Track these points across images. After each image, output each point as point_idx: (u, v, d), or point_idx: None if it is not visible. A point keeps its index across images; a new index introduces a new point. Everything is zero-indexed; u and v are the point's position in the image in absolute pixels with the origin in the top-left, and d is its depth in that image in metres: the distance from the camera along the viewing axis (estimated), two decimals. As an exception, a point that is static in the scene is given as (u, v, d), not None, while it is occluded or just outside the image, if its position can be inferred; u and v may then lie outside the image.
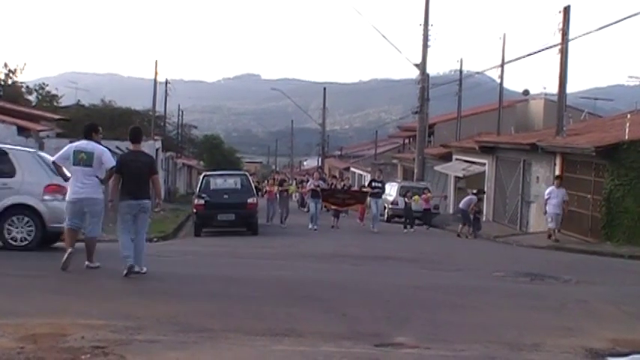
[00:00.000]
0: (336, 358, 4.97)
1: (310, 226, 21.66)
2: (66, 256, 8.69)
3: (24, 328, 5.40)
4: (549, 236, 18.96)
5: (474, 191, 23.20)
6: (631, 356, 5.47)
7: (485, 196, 23.58)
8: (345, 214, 24.81)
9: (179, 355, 4.90)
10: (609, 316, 7.42)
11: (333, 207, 23.33)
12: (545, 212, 19.07)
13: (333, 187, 25.96)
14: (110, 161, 9.09)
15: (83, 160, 8.95)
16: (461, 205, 22.57)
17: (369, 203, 22.34)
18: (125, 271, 8.48)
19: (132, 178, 8.78)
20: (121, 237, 8.76)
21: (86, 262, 9.06)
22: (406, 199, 23.58)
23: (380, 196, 21.94)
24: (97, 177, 9.06)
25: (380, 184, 22.13)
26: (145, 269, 8.84)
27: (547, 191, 19.24)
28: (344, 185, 31.01)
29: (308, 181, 34.06)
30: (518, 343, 5.66)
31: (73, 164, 9.04)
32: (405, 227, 23.01)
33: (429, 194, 25.48)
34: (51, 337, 5.16)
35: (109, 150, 9.87)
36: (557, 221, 18.85)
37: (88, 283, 8.22)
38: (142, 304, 6.88)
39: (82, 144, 9.17)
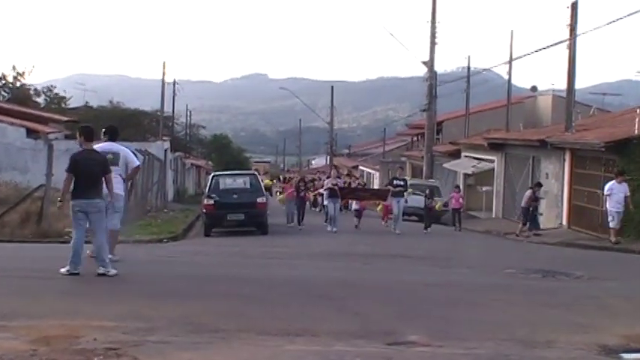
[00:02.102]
0: (349, 357, 4.96)
1: (329, 229, 20.42)
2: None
3: (36, 330, 5.41)
4: (613, 237, 17.07)
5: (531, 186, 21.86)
6: (645, 352, 5.43)
7: (541, 189, 21.45)
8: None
9: (192, 355, 4.91)
10: (622, 311, 7.38)
11: (354, 203, 22.98)
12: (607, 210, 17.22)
13: (348, 186, 25.63)
14: (134, 161, 10.06)
15: (110, 160, 9.45)
16: (522, 203, 21.40)
17: (391, 203, 21.19)
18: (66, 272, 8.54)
19: (84, 177, 8.70)
20: (73, 236, 8.77)
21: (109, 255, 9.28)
22: (426, 200, 22.53)
23: (402, 195, 20.79)
24: (120, 176, 9.67)
25: (402, 182, 21.12)
26: (112, 271, 8.64)
27: (607, 187, 17.18)
28: (359, 184, 30.84)
29: (319, 179, 33.93)
30: (531, 340, 5.63)
31: None
32: (426, 228, 21.91)
33: (460, 194, 24.89)
34: (63, 339, 5.17)
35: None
36: (619, 219, 17.02)
37: (98, 284, 8.22)
38: (153, 305, 6.88)
39: (107, 145, 9.85)
